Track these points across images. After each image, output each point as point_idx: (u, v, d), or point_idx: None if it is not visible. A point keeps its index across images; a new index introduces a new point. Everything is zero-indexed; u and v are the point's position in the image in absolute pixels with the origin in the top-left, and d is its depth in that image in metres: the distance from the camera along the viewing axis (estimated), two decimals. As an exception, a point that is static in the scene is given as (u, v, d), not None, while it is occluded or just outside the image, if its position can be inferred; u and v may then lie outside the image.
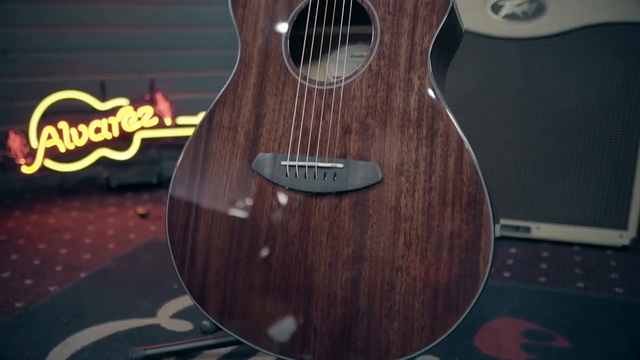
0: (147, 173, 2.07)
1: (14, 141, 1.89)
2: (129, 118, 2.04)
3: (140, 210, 1.81)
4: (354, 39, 0.87)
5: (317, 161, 0.77)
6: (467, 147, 0.70)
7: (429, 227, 0.72)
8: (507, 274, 1.39)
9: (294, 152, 0.78)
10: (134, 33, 2.15)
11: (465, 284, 0.70)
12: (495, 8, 1.52)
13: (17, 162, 1.89)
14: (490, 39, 1.53)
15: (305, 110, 0.78)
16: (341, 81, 0.77)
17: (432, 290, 0.71)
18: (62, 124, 1.95)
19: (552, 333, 1.10)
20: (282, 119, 0.80)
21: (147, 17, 2.15)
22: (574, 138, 1.51)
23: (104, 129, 2.00)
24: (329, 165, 0.76)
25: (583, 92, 1.49)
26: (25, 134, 1.92)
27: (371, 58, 0.76)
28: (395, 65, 0.74)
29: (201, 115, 2.13)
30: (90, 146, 1.99)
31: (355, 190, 0.75)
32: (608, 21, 1.45)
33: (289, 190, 0.78)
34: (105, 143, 2.01)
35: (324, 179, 0.76)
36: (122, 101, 2.05)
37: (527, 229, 1.59)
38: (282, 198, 0.79)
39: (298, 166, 0.77)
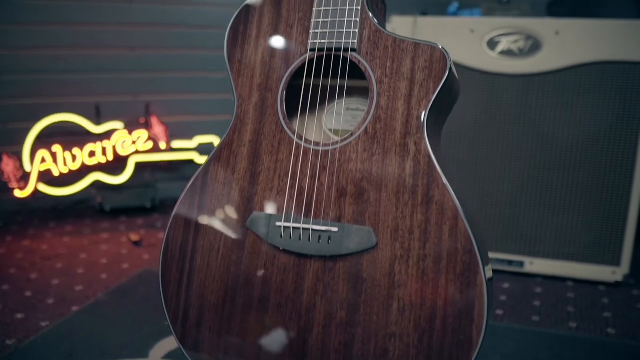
0: (141, 197, 2.06)
1: (8, 165, 1.88)
2: (124, 142, 2.03)
3: (134, 237, 1.80)
4: (351, 91, 0.87)
5: (312, 223, 0.77)
6: (462, 216, 0.70)
7: (422, 294, 0.71)
8: (500, 312, 1.39)
9: (288, 212, 0.78)
10: (129, 55, 2.15)
11: (459, 353, 0.70)
12: (492, 44, 1.53)
13: (10, 186, 1.88)
14: (486, 75, 1.54)
15: (301, 170, 0.78)
16: (337, 143, 0.77)
17: (425, 358, 0.71)
18: (56, 147, 1.94)
19: (545, 380, 1.10)
20: (277, 177, 0.80)
21: (142, 39, 2.15)
22: (568, 174, 1.52)
23: (99, 152, 1.99)
24: (323, 228, 0.76)
25: (577, 129, 1.50)
26: (18, 157, 1.91)
27: (367, 121, 0.76)
28: (392, 130, 0.74)
29: (196, 139, 2.14)
30: (84, 170, 1.98)
31: (350, 255, 0.75)
32: (602, 60, 1.46)
33: (284, 251, 0.78)
34: (99, 167, 2.00)
35: (319, 242, 0.76)
36: (116, 124, 2.05)
37: (521, 264, 1.59)
38: (277, 258, 0.79)
39: (293, 228, 0.77)
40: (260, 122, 0.82)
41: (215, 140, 2.20)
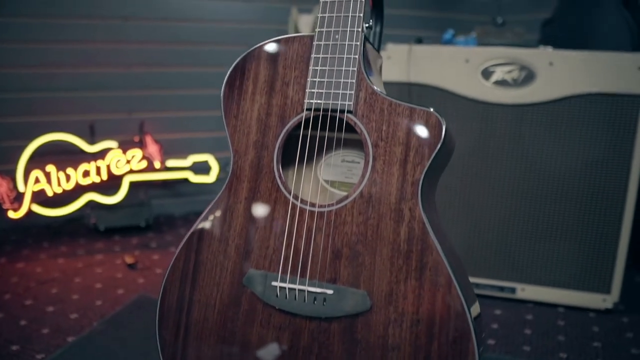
0: (135, 216, 2.07)
1: (1, 185, 1.88)
2: (118, 161, 2.03)
3: (129, 259, 1.80)
4: (347, 143, 0.88)
5: (308, 284, 0.78)
6: (455, 283, 0.71)
7: (415, 358, 0.73)
8: (492, 342, 1.41)
9: (284, 272, 0.79)
10: (123, 72, 2.14)
11: (451, 417, 0.71)
12: (486, 73, 1.54)
13: (4, 207, 1.87)
14: (480, 104, 1.55)
15: (297, 230, 0.79)
16: (333, 205, 0.78)
17: (419, 420, 0.72)
18: (50, 167, 1.94)
19: (536, 417, 1.12)
20: (273, 236, 0.81)
21: (136, 57, 2.14)
22: (560, 203, 1.53)
23: (93, 172, 1.99)
24: (319, 290, 0.77)
25: (569, 159, 1.51)
26: (11, 177, 1.91)
27: (363, 184, 0.77)
28: (387, 194, 0.75)
29: (191, 158, 2.15)
30: (78, 190, 1.98)
31: (345, 317, 0.76)
32: (594, 92, 1.47)
33: (280, 309, 0.79)
34: (93, 186, 2.00)
35: (314, 303, 0.77)
36: (110, 143, 2.04)
37: (513, 290, 1.61)
38: (272, 316, 0.80)
39: (288, 288, 0.78)
40: (256, 180, 0.83)
41: (210, 159, 2.20)
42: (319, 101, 0.79)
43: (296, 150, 0.83)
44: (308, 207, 0.79)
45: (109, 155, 2.02)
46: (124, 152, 2.04)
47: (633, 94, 1.45)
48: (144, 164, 2.06)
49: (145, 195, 2.10)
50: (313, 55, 0.80)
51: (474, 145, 1.57)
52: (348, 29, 0.78)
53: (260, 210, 0.82)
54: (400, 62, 1.59)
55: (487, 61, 1.53)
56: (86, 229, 2.08)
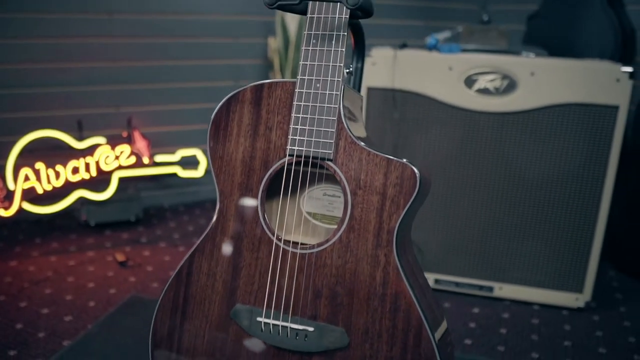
0: (125, 211, 2.10)
1: (-9, 184, 1.90)
2: (107, 157, 2.05)
3: (120, 257, 1.85)
4: (328, 178, 0.92)
5: (290, 321, 0.83)
6: (425, 325, 0.77)
7: (390, 391, 0.79)
8: (468, 342, 1.49)
9: (268, 308, 0.84)
10: (110, 67, 2.14)
11: None
12: (469, 82, 1.57)
13: (-5, 206, 1.90)
14: (463, 111, 1.59)
15: (280, 270, 0.84)
16: (314, 247, 0.83)
17: None
18: (39, 165, 1.96)
19: (505, 420, 1.20)
20: (258, 273, 0.86)
21: (123, 51, 2.14)
22: (538, 207, 1.59)
23: (82, 169, 2.01)
24: (300, 327, 0.82)
25: (547, 166, 1.56)
26: (1, 176, 1.93)
27: (341, 230, 0.81)
28: (364, 240, 0.80)
29: (179, 152, 2.17)
30: (68, 186, 2.00)
31: (325, 351, 0.81)
32: (573, 102, 1.51)
33: (264, 342, 0.84)
34: (83, 183, 2.02)
35: (296, 338, 0.83)
36: (99, 139, 2.06)
37: (490, 289, 1.69)
38: (258, 347, 0.85)
39: (272, 324, 0.83)
40: (241, 220, 0.87)
41: (198, 153, 2.22)
42: (300, 148, 0.83)
43: (281, 181, 0.87)
44: (290, 249, 0.84)
45: (97, 152, 2.04)
46: (113, 148, 2.06)
47: (610, 105, 1.49)
48: (133, 159, 2.09)
49: (135, 190, 2.13)
50: (295, 103, 0.83)
51: (456, 151, 1.61)
52: (329, 79, 0.81)
53: (245, 249, 0.87)
54: (385, 68, 1.61)
55: (470, 69, 1.56)
56: (77, 223, 2.12)
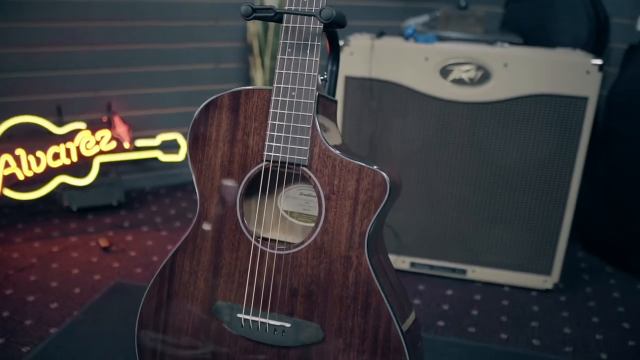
0: (107, 195, 2.12)
1: (-29, 171, 1.90)
2: (87, 142, 2.06)
3: (103, 242, 1.88)
4: (304, 178, 0.96)
5: (269, 317, 0.88)
6: (394, 322, 0.83)
7: (362, 382, 0.85)
8: (441, 323, 1.56)
9: (248, 305, 0.89)
10: (87, 51, 2.13)
11: None
12: (444, 72, 1.61)
13: (-24, 192, 1.91)
14: (438, 101, 1.63)
15: (258, 270, 0.88)
16: (290, 248, 0.87)
17: None
18: (20, 151, 1.96)
19: (473, 398, 1.28)
20: (238, 273, 0.90)
21: (101, 35, 2.13)
22: (509, 193, 1.65)
23: (62, 154, 2.02)
24: (278, 323, 0.87)
25: (519, 154, 1.62)
26: (-18, 162, 1.93)
27: (316, 232, 0.86)
28: (337, 243, 0.85)
29: (160, 137, 2.18)
30: (49, 172, 2.01)
31: (301, 345, 0.87)
32: (546, 93, 1.56)
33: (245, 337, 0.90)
34: (64, 169, 2.03)
35: (274, 333, 0.88)
36: (79, 125, 2.06)
37: (463, 271, 1.76)
38: (239, 342, 0.90)
39: (252, 320, 0.88)
40: (221, 222, 0.91)
41: (178, 137, 2.24)
42: (277, 154, 0.86)
43: (259, 182, 0.90)
44: (268, 250, 0.88)
45: (78, 137, 2.04)
46: (93, 133, 2.07)
47: (580, 96, 1.54)
48: (114, 144, 2.10)
49: (116, 175, 2.15)
50: (271, 110, 0.86)
51: (432, 139, 1.66)
52: (303, 87, 0.84)
53: (225, 249, 0.91)
54: (363, 58, 1.64)
55: (446, 60, 1.60)
56: (59, 208, 2.13)
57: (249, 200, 0.93)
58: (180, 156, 2.24)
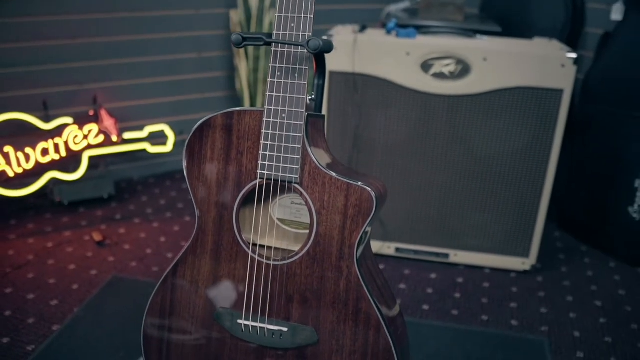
0: (97, 188, 2.16)
1: (-39, 170, 1.92)
2: (75, 137, 2.08)
3: (97, 237, 1.92)
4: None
5: (267, 322, 0.95)
6: (383, 325, 0.90)
7: (354, 379, 0.93)
8: (426, 307, 1.65)
9: (247, 312, 0.96)
10: (70, 44, 2.13)
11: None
12: (425, 67, 1.65)
13: (-33, 191, 1.93)
14: (420, 94, 1.68)
15: (256, 279, 0.95)
16: (285, 259, 0.94)
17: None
18: (8, 148, 1.98)
19: (456, 379, 1.38)
20: (236, 282, 0.96)
21: (83, 28, 2.12)
22: (489, 181, 1.73)
23: (51, 150, 2.04)
24: (276, 328, 0.94)
25: (498, 144, 1.69)
26: (-29, 161, 1.94)
27: (309, 245, 0.92)
28: (329, 254, 0.91)
29: (147, 129, 2.21)
30: (39, 168, 2.03)
31: (298, 347, 0.94)
32: (523, 86, 1.62)
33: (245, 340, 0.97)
34: (53, 164, 2.06)
35: (273, 337, 0.95)
36: (66, 119, 2.08)
37: (446, 256, 1.85)
38: (240, 345, 0.97)
39: (251, 325, 0.95)
40: (219, 235, 0.96)
41: (166, 129, 2.27)
42: (269, 172, 0.91)
43: (254, 194, 0.96)
44: (265, 261, 0.94)
45: (65, 132, 2.06)
46: (80, 127, 2.09)
47: (556, 89, 1.61)
48: (101, 138, 2.12)
49: (105, 167, 2.18)
50: (263, 131, 0.91)
51: (414, 131, 1.72)
52: (293, 110, 0.89)
53: (223, 260, 0.97)
54: (346, 53, 1.67)
55: (427, 55, 1.64)
56: (50, 202, 2.16)
57: (244, 209, 0.99)
58: (168, 147, 2.28)
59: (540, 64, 1.59)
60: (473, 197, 1.75)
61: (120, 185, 2.36)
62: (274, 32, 0.88)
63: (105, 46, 2.18)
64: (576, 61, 1.57)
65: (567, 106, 1.62)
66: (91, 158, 2.13)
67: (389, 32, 1.73)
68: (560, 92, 1.61)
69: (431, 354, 1.45)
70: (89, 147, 2.11)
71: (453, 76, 1.65)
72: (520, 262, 1.81)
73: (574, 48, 2.16)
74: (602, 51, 1.98)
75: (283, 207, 1.02)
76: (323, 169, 0.90)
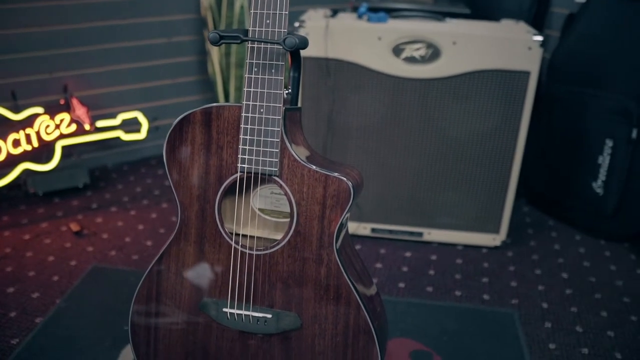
0: (72, 178, 2.14)
1: None
2: (47, 127, 2.06)
3: (74, 227, 1.92)
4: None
5: (252, 310, 0.99)
6: (363, 309, 0.95)
7: (335, 359, 0.98)
8: (402, 285, 1.72)
9: (232, 300, 0.99)
10: (38, 32, 2.09)
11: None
12: (397, 51, 1.68)
13: (-62, 186, 1.90)
14: (391, 78, 1.72)
15: (239, 269, 0.98)
16: (267, 249, 0.97)
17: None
18: (-22, 140, 1.95)
19: (431, 352, 1.45)
20: (220, 272, 1.00)
21: (50, 15, 2.08)
22: (460, 162, 1.79)
23: (23, 141, 2.02)
24: (260, 315, 0.98)
25: (469, 124, 1.74)
26: (-60, 155, 1.91)
27: (289, 234, 0.96)
28: (309, 243, 0.95)
29: (120, 116, 2.19)
30: (11, 160, 2.01)
31: (282, 332, 0.98)
32: (491, 68, 1.67)
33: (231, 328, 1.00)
34: (26, 155, 2.03)
35: (257, 323, 0.99)
36: (37, 109, 2.05)
37: (420, 234, 1.91)
38: (225, 331, 1.01)
39: (237, 313, 0.99)
40: (202, 227, 0.99)
41: (139, 116, 2.25)
42: (249, 166, 0.94)
43: (235, 186, 0.99)
44: (247, 251, 0.98)
45: (37, 122, 2.04)
46: (52, 117, 2.06)
47: (523, 71, 1.66)
48: (74, 127, 2.10)
49: (78, 156, 2.17)
50: (242, 126, 0.93)
51: (387, 113, 1.75)
52: (271, 105, 0.91)
53: (207, 251, 1.00)
54: (318, 38, 1.69)
55: (398, 39, 1.67)
56: (24, 193, 2.14)
57: (224, 200, 1.01)
58: (142, 135, 2.27)
59: (508, 47, 1.64)
60: (445, 177, 1.81)
61: (94, 173, 2.35)
62: (250, 28, 0.90)
63: (74, 33, 2.14)
64: (542, 44, 1.62)
65: (534, 87, 1.67)
66: (64, 147, 2.11)
67: (360, 16, 1.75)
68: (527, 74, 1.66)
69: (408, 329, 1.52)
70: (62, 136, 2.09)
71: (424, 60, 1.68)
72: (491, 238, 1.88)
73: (540, 28, 2.21)
74: (566, 32, 2.04)
75: (263, 197, 1.05)
76: (301, 162, 0.93)
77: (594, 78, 1.89)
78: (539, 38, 1.62)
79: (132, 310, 1.04)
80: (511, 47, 1.63)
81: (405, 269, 1.80)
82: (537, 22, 2.17)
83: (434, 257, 1.86)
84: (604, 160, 1.90)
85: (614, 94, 1.86)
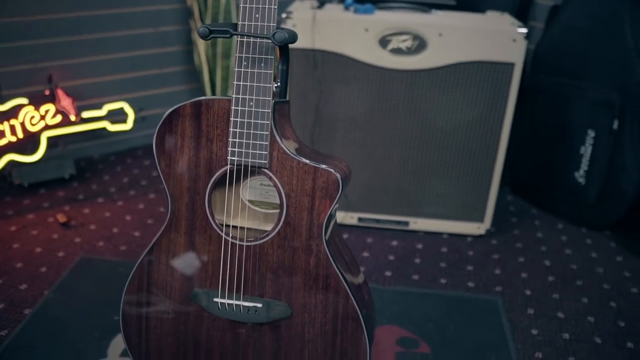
0: (58, 169, 2.13)
1: None
2: (32, 117, 2.04)
3: (61, 218, 1.92)
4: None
5: (242, 299, 1.00)
6: (351, 298, 0.97)
7: (325, 347, 1.00)
8: (388, 273, 1.75)
9: (223, 290, 1.01)
10: (22, 22, 2.06)
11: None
12: (383, 43, 1.70)
13: None
14: (378, 69, 1.73)
15: (230, 259, 1.00)
16: (257, 240, 0.99)
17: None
18: (-38, 132, 1.93)
19: (418, 339, 1.48)
20: (211, 263, 1.01)
21: (35, 5, 2.06)
22: (446, 152, 1.81)
23: (7, 132, 2.00)
24: (250, 305, 1.00)
25: (454, 116, 1.77)
26: None
27: (279, 225, 0.97)
28: (298, 234, 0.97)
29: (106, 107, 2.18)
30: (-5, 151, 2.00)
31: (272, 321, 1.00)
32: (476, 60, 1.69)
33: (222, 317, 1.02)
34: (11, 146, 2.02)
35: (248, 313, 1.01)
36: (21, 100, 2.03)
37: (406, 223, 1.94)
38: (216, 320, 1.03)
39: (227, 303, 1.01)
40: (192, 219, 1.00)
41: (125, 106, 2.24)
42: (239, 158, 0.95)
43: (224, 178, 1.00)
44: (237, 242, 0.99)
45: (21, 113, 2.02)
46: (37, 108, 2.05)
47: (507, 62, 1.68)
48: (59, 118, 2.09)
49: (64, 146, 2.16)
50: (232, 119, 0.94)
51: (374, 104, 1.77)
52: (260, 98, 0.93)
53: (198, 242, 1.01)
54: (305, 30, 1.70)
55: (384, 31, 1.68)
56: (8, 184, 2.13)
57: (214, 192, 1.02)
58: (128, 125, 2.26)
59: (493, 39, 1.66)
60: (431, 167, 1.83)
61: (80, 163, 2.34)
62: (239, 22, 0.91)
63: (58, 23, 2.12)
64: (527, 36, 1.65)
65: (518, 79, 1.70)
66: (49, 138, 2.10)
67: (347, 7, 1.76)
68: (511, 65, 1.68)
69: (394, 317, 1.55)
70: (47, 127, 2.08)
71: (410, 51, 1.70)
72: (475, 226, 1.92)
73: (524, 19, 2.24)
74: (550, 24, 2.06)
75: (252, 189, 1.07)
76: (290, 154, 0.94)
77: (578, 69, 1.93)
78: (524, 30, 1.64)
79: (123, 301, 1.06)
80: (496, 39, 1.66)
81: (391, 257, 1.82)
82: (522, 14, 2.20)
83: (419, 246, 1.89)
84: (586, 150, 1.94)
85: (597, 85, 1.89)
